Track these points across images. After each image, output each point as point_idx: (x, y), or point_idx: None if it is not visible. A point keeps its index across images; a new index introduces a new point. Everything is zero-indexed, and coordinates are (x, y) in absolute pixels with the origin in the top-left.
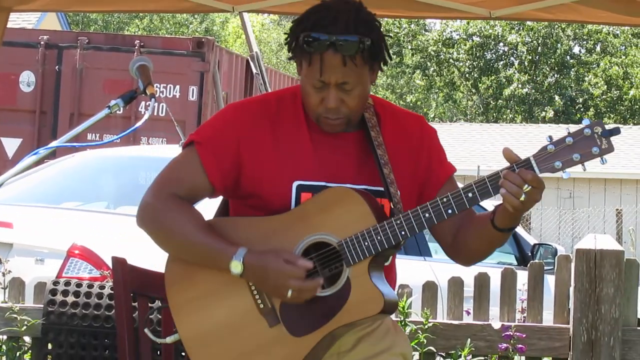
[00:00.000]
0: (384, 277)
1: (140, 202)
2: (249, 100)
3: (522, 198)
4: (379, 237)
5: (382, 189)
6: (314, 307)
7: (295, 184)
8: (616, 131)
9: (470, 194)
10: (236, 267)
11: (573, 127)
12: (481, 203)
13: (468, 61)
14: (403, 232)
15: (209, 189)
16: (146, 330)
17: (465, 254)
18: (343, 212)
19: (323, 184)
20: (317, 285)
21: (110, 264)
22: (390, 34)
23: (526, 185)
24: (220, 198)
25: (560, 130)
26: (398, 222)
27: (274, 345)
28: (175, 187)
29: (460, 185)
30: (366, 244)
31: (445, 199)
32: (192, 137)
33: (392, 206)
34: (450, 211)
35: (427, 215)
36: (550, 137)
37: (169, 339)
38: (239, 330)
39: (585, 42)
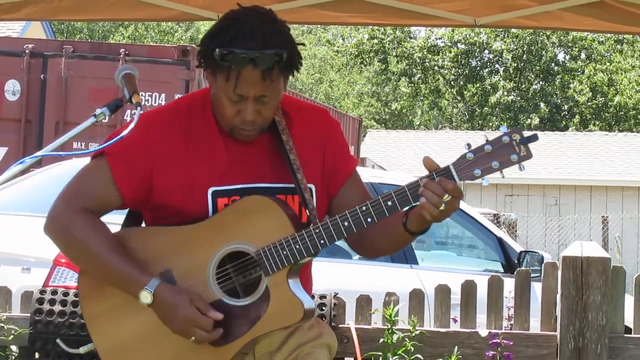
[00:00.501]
0: (300, 284)
1: (50, 211)
2: (160, 109)
3: (441, 207)
4: (297, 246)
5: (294, 186)
6: (233, 317)
7: (210, 190)
8: (534, 138)
9: (389, 203)
10: (145, 297)
11: (491, 135)
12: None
13: (453, 68)
14: (322, 241)
15: (119, 201)
16: (58, 340)
17: (371, 250)
18: (261, 221)
19: (239, 186)
20: (217, 335)
21: None
22: (304, 43)
23: (447, 195)
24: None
25: (545, 137)
26: (317, 231)
27: (193, 356)
28: (85, 199)
29: None
30: (285, 253)
31: (364, 208)
32: (103, 149)
33: (308, 213)
34: (369, 219)
35: (346, 224)
36: (469, 145)
37: (82, 349)
38: (156, 341)
39: (570, 49)
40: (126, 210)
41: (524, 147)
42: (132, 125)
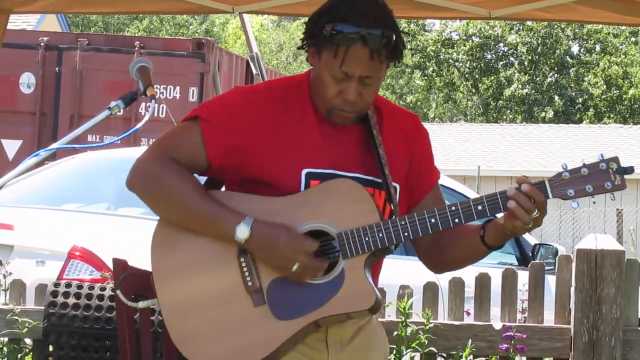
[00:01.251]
0: (372, 277)
1: (135, 164)
2: (256, 85)
3: (529, 225)
4: (380, 235)
5: (381, 181)
6: (303, 294)
7: (304, 172)
8: (630, 170)
9: (479, 207)
10: (243, 232)
11: (588, 160)
12: None
13: (468, 62)
14: (406, 234)
15: (205, 165)
16: (118, 291)
17: (442, 262)
18: (348, 205)
19: (332, 171)
20: (322, 267)
21: (111, 266)
22: (409, 33)
23: (536, 211)
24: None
25: (559, 130)
26: (403, 223)
27: (255, 325)
28: (174, 153)
29: (460, 185)
30: (367, 239)
31: (454, 208)
32: (197, 113)
33: (392, 208)
34: (457, 220)
35: (432, 220)
36: (565, 165)
37: (141, 304)
38: (221, 304)
39: (584, 42)
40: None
41: (620, 176)
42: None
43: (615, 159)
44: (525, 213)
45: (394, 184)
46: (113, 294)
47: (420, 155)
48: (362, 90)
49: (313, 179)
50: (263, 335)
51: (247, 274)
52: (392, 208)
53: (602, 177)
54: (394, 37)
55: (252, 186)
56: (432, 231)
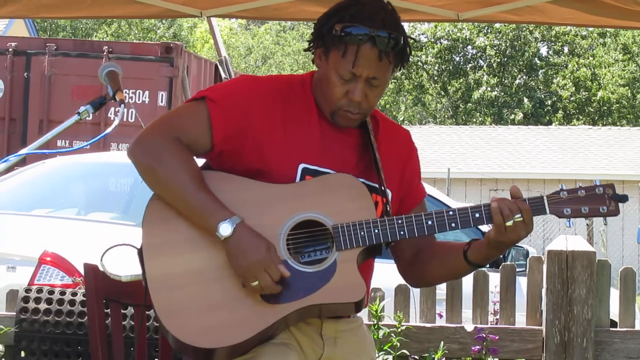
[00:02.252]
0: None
1: (139, 135)
2: (261, 77)
3: (509, 223)
4: (376, 231)
5: (377, 185)
6: (294, 280)
7: (301, 166)
8: (624, 198)
9: (477, 214)
10: (226, 229)
11: (584, 184)
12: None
13: (437, 64)
14: (402, 232)
15: (207, 146)
16: (101, 263)
17: (421, 277)
18: (346, 199)
19: (327, 170)
20: (276, 292)
21: (82, 271)
22: (415, 39)
23: (519, 215)
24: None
25: (529, 132)
26: (399, 221)
27: (243, 304)
28: (179, 133)
29: (432, 189)
30: (362, 233)
31: (451, 213)
32: (204, 93)
33: (387, 207)
34: (453, 224)
35: (429, 222)
36: (563, 186)
37: (124, 278)
38: (209, 281)
39: (553, 44)
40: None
41: (614, 202)
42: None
43: (612, 186)
44: (506, 213)
45: (387, 190)
46: (84, 298)
47: (412, 168)
48: (368, 92)
49: (308, 175)
50: (249, 315)
51: None
52: (388, 211)
53: (598, 201)
54: (402, 40)
55: (249, 176)
56: (428, 232)
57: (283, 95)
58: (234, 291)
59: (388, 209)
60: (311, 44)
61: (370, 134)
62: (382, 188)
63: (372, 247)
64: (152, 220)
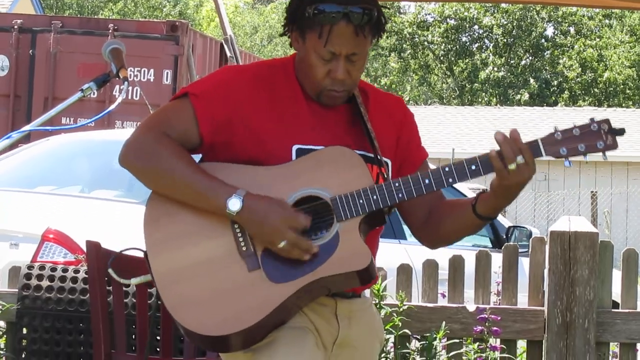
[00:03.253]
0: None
1: (127, 141)
2: (243, 65)
3: (512, 167)
4: (374, 197)
5: (373, 156)
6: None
7: (295, 147)
8: (621, 131)
9: (473, 167)
10: (234, 204)
11: (580, 122)
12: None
13: (443, 44)
14: (400, 195)
15: (196, 141)
16: (110, 270)
17: (436, 236)
18: (341, 169)
19: (322, 147)
20: (311, 247)
21: (84, 248)
22: (388, 7)
23: (520, 157)
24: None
25: (534, 112)
26: (397, 184)
27: (249, 288)
28: (167, 129)
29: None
30: (361, 201)
31: (447, 169)
32: (187, 89)
33: (385, 176)
34: (450, 180)
35: (427, 181)
36: (556, 128)
37: (134, 280)
38: (215, 270)
39: (559, 25)
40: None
41: (611, 136)
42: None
43: (607, 121)
44: (507, 154)
45: (384, 159)
46: (87, 276)
47: (408, 133)
48: (349, 68)
49: (304, 155)
50: (258, 298)
51: (241, 239)
52: (386, 179)
53: (594, 137)
54: (376, 12)
55: (244, 164)
56: (426, 192)
57: (267, 80)
58: (241, 277)
59: (386, 177)
60: (286, 29)
61: (359, 106)
62: (378, 157)
63: (374, 214)
64: (150, 220)
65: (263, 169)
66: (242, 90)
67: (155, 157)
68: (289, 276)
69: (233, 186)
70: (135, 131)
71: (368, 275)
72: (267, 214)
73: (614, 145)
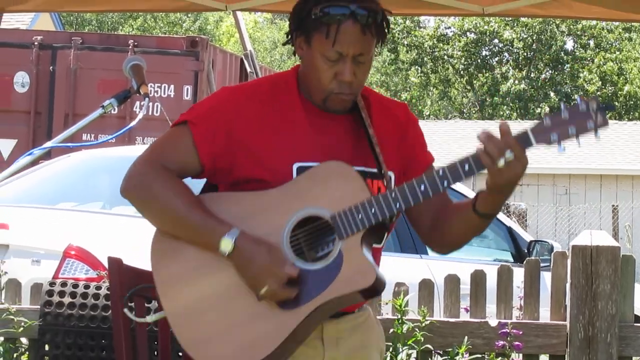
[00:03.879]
0: (372, 256)
1: (128, 171)
2: (242, 84)
3: (500, 163)
4: (373, 210)
5: (375, 170)
6: (304, 281)
7: (295, 166)
8: (610, 107)
9: (466, 166)
10: (226, 245)
11: (570, 105)
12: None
13: (463, 58)
14: (398, 204)
15: (198, 168)
16: (126, 310)
17: (443, 240)
18: (337, 185)
19: (319, 164)
20: (291, 295)
21: (106, 265)
22: (390, 11)
23: (509, 152)
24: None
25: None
26: (393, 194)
27: (261, 318)
28: (165, 160)
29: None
30: (360, 216)
31: (441, 172)
32: (185, 117)
33: (385, 184)
34: (446, 183)
35: (422, 187)
36: (545, 113)
37: (149, 318)
38: (225, 303)
39: (579, 38)
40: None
41: (601, 114)
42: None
43: (594, 98)
44: (492, 152)
45: (388, 172)
46: (109, 292)
47: (413, 139)
48: (356, 70)
49: (301, 174)
50: (269, 327)
51: None
52: (385, 185)
53: (584, 117)
54: (381, 14)
55: (246, 185)
56: (423, 198)
57: (266, 98)
58: (252, 306)
59: (388, 189)
60: (289, 36)
61: (362, 115)
62: (382, 171)
63: (375, 227)
64: (157, 255)
65: (262, 194)
66: (239, 111)
67: (152, 195)
68: (299, 301)
69: (228, 224)
70: (135, 163)
71: (375, 291)
72: (255, 258)
73: (605, 123)
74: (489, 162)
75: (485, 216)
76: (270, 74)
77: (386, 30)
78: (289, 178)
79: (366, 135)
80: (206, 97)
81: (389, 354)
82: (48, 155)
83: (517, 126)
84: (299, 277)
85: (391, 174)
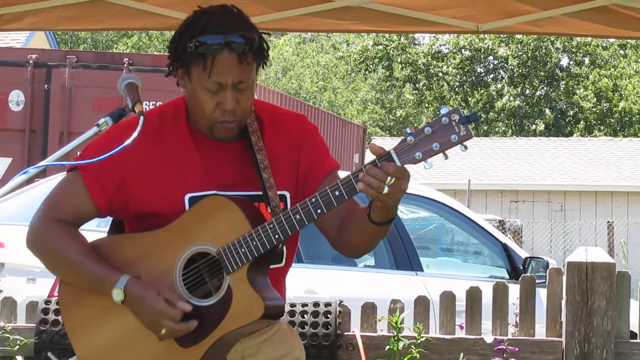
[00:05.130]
0: (269, 282)
1: (29, 225)
2: (129, 119)
3: (385, 191)
4: (254, 243)
5: (261, 193)
6: (200, 318)
7: (187, 197)
8: (473, 117)
9: (337, 192)
10: (117, 294)
11: (431, 119)
12: None
13: (458, 75)
14: (277, 236)
15: (94, 212)
16: (49, 354)
17: (349, 247)
18: (219, 220)
19: (214, 192)
20: (190, 328)
21: None
22: (269, 33)
23: (389, 178)
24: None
25: (550, 143)
26: (271, 226)
27: (166, 357)
28: (61, 211)
29: (451, 199)
30: (243, 250)
31: (314, 199)
32: (76, 164)
33: (270, 210)
34: (319, 211)
35: (297, 216)
36: (410, 129)
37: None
38: (130, 346)
39: (574, 55)
40: (109, 220)
41: (463, 126)
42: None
43: (457, 110)
44: (377, 186)
45: (283, 192)
46: None
47: (309, 150)
48: (238, 97)
49: (189, 209)
50: None
51: None
52: (270, 211)
53: (447, 131)
54: (257, 38)
55: (145, 220)
56: (299, 227)
57: (154, 131)
58: (156, 347)
59: (270, 207)
60: (170, 68)
61: (251, 136)
62: (265, 186)
63: (262, 257)
64: (65, 305)
65: (152, 234)
66: (128, 153)
67: (47, 251)
68: (196, 338)
69: (118, 273)
70: (35, 216)
71: (273, 316)
72: (145, 305)
73: (468, 135)
74: (374, 194)
75: (382, 224)
76: (265, 91)
77: (266, 53)
78: (182, 209)
79: (254, 161)
80: (97, 138)
81: None
82: (43, 173)
83: (512, 143)
84: (195, 315)
85: (286, 194)
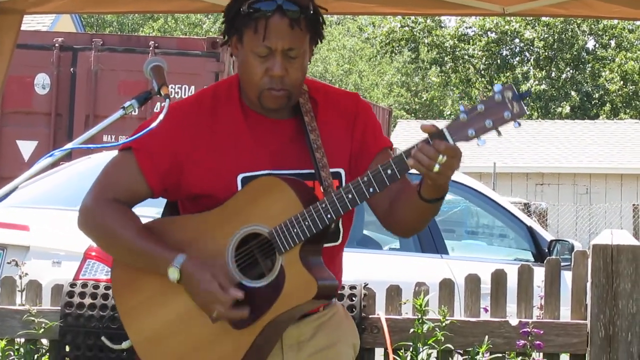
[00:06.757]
0: (322, 262)
1: (81, 205)
2: (184, 99)
3: (435, 169)
4: (306, 223)
5: (313, 171)
6: (253, 299)
7: (240, 177)
8: (526, 94)
9: (389, 171)
10: (173, 273)
11: (486, 96)
12: None
13: (484, 57)
14: (329, 215)
15: (148, 192)
16: (103, 338)
17: (399, 225)
18: (271, 201)
19: (267, 172)
20: (242, 315)
21: None
22: (325, 8)
23: (441, 156)
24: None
25: (575, 126)
26: (323, 205)
27: (218, 339)
28: (114, 191)
29: (477, 182)
30: (295, 230)
31: (365, 178)
32: (130, 144)
33: (323, 189)
34: (372, 190)
35: (349, 196)
36: (463, 106)
37: (124, 344)
38: (184, 327)
39: (600, 38)
40: (164, 202)
41: (517, 103)
42: (160, 117)
43: (510, 87)
44: (428, 164)
45: (337, 169)
46: None
47: (362, 127)
48: (287, 66)
49: (241, 190)
50: (227, 348)
51: None
52: (322, 191)
53: (500, 108)
54: (311, 7)
55: (198, 201)
56: (352, 206)
57: (208, 112)
58: (209, 328)
59: (323, 187)
60: (226, 37)
61: (304, 116)
62: (318, 166)
63: (314, 237)
64: (118, 286)
65: (205, 215)
66: (181, 131)
67: (101, 230)
68: (250, 320)
69: (175, 252)
70: (87, 196)
71: (324, 298)
72: (199, 286)
73: (522, 112)
74: (425, 171)
75: (432, 201)
76: None
77: (321, 27)
78: (234, 190)
79: (307, 139)
80: (149, 118)
81: (409, 354)
82: (69, 156)
83: (538, 126)
84: (247, 296)
85: (341, 171)
